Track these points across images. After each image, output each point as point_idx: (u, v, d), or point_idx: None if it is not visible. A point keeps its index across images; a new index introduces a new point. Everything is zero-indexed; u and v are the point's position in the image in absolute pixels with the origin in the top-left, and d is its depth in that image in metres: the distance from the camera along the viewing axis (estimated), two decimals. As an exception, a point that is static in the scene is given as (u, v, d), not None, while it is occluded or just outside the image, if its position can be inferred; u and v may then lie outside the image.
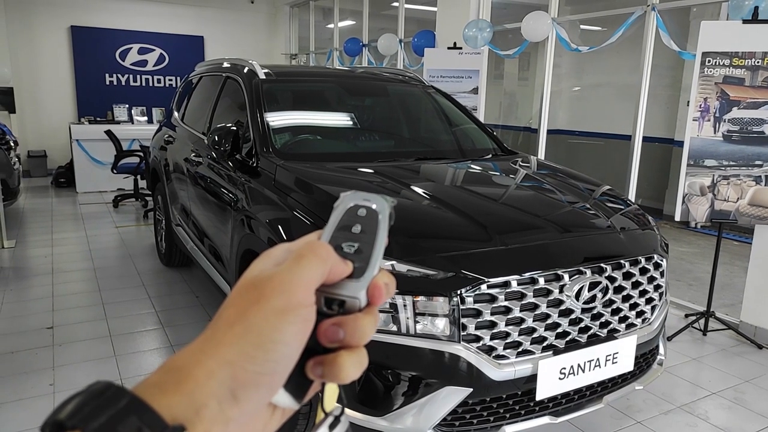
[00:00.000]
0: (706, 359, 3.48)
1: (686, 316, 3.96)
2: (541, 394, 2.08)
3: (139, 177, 7.41)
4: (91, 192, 8.24)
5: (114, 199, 7.49)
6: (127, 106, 9.25)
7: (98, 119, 8.99)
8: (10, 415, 2.68)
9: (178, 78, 10.14)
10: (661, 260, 2.42)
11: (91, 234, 6.00)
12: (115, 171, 7.24)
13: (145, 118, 9.30)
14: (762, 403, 2.97)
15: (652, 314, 2.39)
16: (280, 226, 2.43)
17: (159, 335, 3.60)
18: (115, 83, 9.77)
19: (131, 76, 9.90)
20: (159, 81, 10.14)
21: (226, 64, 3.93)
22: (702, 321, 3.85)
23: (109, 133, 7.37)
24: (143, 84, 10.01)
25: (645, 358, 2.46)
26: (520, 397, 2.10)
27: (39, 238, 5.79)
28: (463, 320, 1.96)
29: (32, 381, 3.00)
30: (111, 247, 5.58)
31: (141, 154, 7.13)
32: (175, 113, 4.76)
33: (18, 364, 3.17)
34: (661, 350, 2.57)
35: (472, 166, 3.12)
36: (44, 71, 9.15)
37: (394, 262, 2.02)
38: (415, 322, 1.97)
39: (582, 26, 7.41)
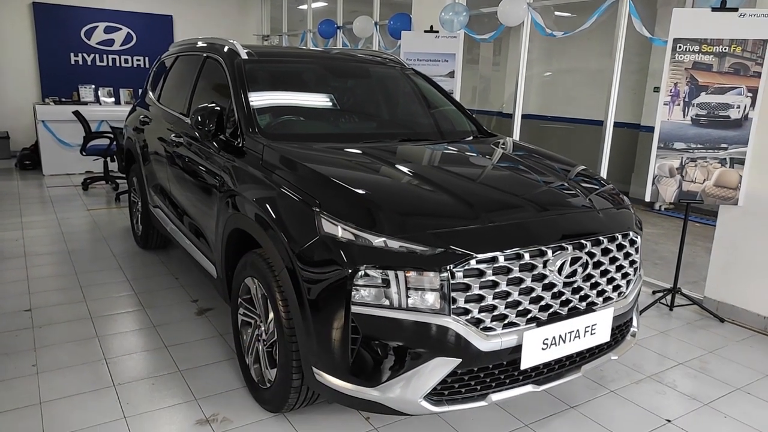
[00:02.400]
0: (673, 332, 3.66)
1: (654, 292, 4.15)
2: (526, 363, 2.18)
3: (109, 159, 7.27)
4: (59, 174, 8.05)
5: (83, 181, 7.33)
6: (93, 86, 9.02)
7: (63, 100, 8.73)
8: (-6, 396, 2.67)
9: (147, 58, 9.91)
10: (636, 237, 2.55)
11: (62, 217, 5.88)
12: (84, 153, 7.08)
13: (113, 99, 9.08)
14: (724, 372, 3.16)
15: (627, 288, 2.52)
16: (269, 204, 2.45)
17: (141, 316, 3.59)
18: (80, 63, 9.49)
19: (97, 55, 9.63)
20: (126, 61, 9.90)
21: (204, 44, 3.89)
22: (669, 297, 4.04)
23: (77, 114, 7.19)
24: (110, 64, 9.76)
25: (620, 329, 2.59)
26: (506, 366, 2.20)
27: (7, 221, 5.65)
28: (453, 294, 2.04)
29: (14, 362, 2.97)
30: (84, 230, 5.48)
31: (111, 135, 6.98)
32: (150, 93, 4.69)
33: (-2, 346, 3.14)
34: (635, 322, 2.71)
35: (457, 147, 3.19)
36: (5, 49, 8.83)
37: (385, 238, 2.08)
38: (407, 296, 2.04)
39: (555, 12, 7.52)
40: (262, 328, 2.56)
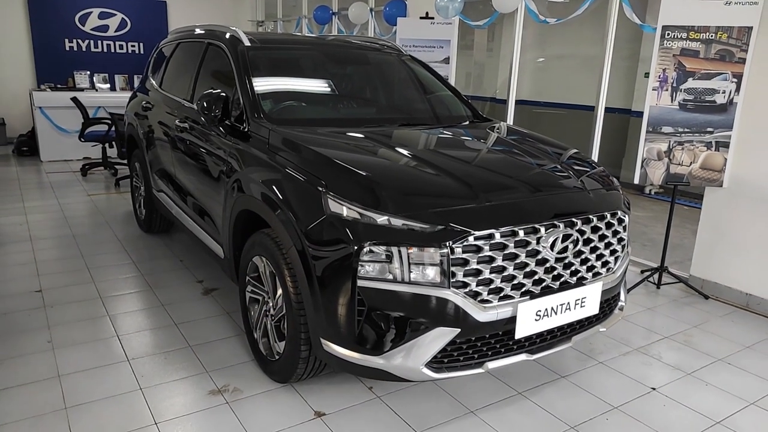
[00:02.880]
0: (660, 309, 3.83)
1: (642, 271, 4.31)
2: (520, 333, 2.33)
3: (107, 145, 7.34)
4: (57, 161, 8.11)
5: (82, 167, 7.40)
6: (88, 72, 9.05)
7: (59, 86, 8.76)
8: (14, 369, 2.79)
9: (141, 44, 9.92)
10: (624, 216, 2.69)
11: (64, 202, 5.97)
12: (82, 139, 7.14)
13: (108, 85, 9.12)
14: (707, 344, 3.34)
15: (615, 264, 2.67)
16: (276, 186, 2.58)
17: (149, 296, 3.72)
18: (75, 49, 9.48)
19: (92, 41, 9.62)
20: (121, 47, 9.89)
21: (205, 31, 3.97)
22: (656, 276, 4.21)
23: (75, 100, 7.24)
24: (105, 50, 9.75)
25: (608, 303, 2.75)
26: (501, 336, 2.35)
27: (10, 206, 5.73)
28: (452, 268, 2.18)
29: (30, 339, 3.10)
30: (86, 214, 5.58)
31: (109, 121, 7.05)
32: (152, 79, 4.77)
33: (13, 324, 3.25)
34: (622, 297, 2.87)
35: (454, 131, 3.32)
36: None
37: (389, 217, 2.21)
38: (409, 271, 2.18)
39: (547, -2, 7.61)
40: (270, 304, 2.69)
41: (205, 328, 3.30)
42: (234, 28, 3.62)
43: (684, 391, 2.84)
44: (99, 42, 9.68)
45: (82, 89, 8.65)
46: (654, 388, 2.85)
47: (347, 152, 2.70)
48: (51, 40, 9.23)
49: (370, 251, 2.18)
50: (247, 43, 3.42)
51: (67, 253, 4.47)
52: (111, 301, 3.63)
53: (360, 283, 2.19)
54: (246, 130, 3.00)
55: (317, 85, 3.62)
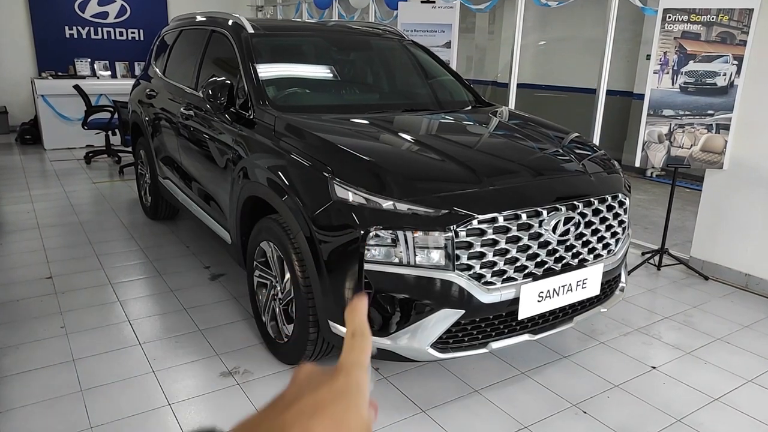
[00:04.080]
0: (660, 290, 3.90)
1: (643, 254, 4.37)
2: (523, 314, 2.39)
3: (110, 132, 7.37)
4: (60, 149, 8.14)
5: (86, 155, 7.44)
6: (89, 60, 9.05)
7: (60, 74, 8.76)
8: (29, 354, 2.86)
9: (141, 31, 9.89)
10: (625, 199, 2.74)
11: (69, 190, 6.02)
12: (86, 127, 7.17)
13: (109, 72, 9.11)
14: (707, 324, 3.40)
15: (616, 246, 2.72)
16: (282, 173, 2.62)
17: (158, 282, 3.79)
18: (75, 36, 9.45)
19: (92, 28, 9.59)
20: (121, 34, 9.86)
21: (206, 18, 3.99)
22: (657, 258, 4.27)
23: (77, 87, 7.26)
24: (105, 37, 9.72)
25: (609, 284, 2.80)
26: (504, 317, 2.41)
27: (17, 194, 5.79)
28: (457, 252, 2.23)
29: (43, 324, 3.17)
30: (92, 202, 5.64)
31: (112, 108, 7.07)
32: (155, 67, 4.79)
33: (26, 310, 3.33)
34: (623, 278, 2.93)
35: (457, 116, 3.35)
36: None
37: (394, 202, 2.26)
38: (415, 254, 2.24)
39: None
40: (278, 288, 2.76)
41: (214, 313, 3.37)
42: (237, 15, 3.64)
43: (683, 369, 2.91)
44: (99, 29, 9.65)
45: (83, 77, 8.65)
46: (654, 367, 2.92)
47: (352, 138, 2.75)
48: (51, 28, 9.20)
49: (376, 235, 2.24)
50: (251, 30, 3.44)
51: (75, 240, 4.53)
52: (120, 287, 3.70)
53: (366, 266, 2.25)
54: (251, 117, 3.04)
55: (321, 72, 3.64)
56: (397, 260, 2.25)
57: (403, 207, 2.25)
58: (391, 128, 2.90)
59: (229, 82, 3.14)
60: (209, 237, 3.69)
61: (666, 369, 2.91)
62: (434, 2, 5.89)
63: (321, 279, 2.39)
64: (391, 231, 2.23)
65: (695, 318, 3.48)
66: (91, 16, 9.53)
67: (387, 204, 2.26)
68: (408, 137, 2.78)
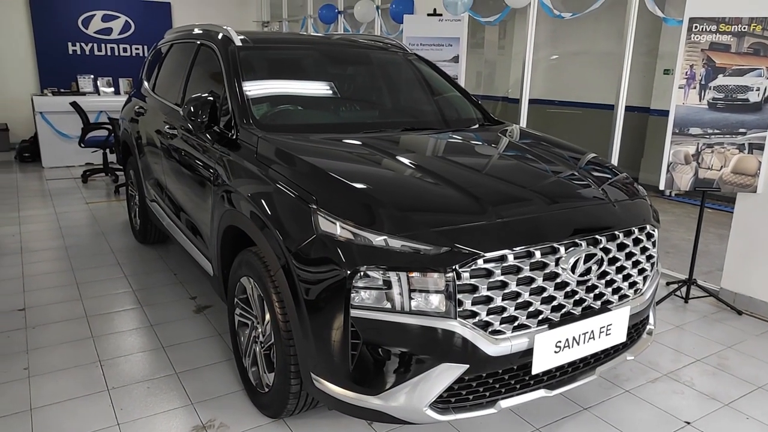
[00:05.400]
0: (689, 326, 3.52)
1: (668, 284, 4.00)
2: (537, 368, 2.05)
3: (108, 150, 7.15)
4: (58, 167, 7.95)
5: (83, 174, 7.23)
6: (92, 76, 8.88)
7: (62, 90, 8.61)
8: (-17, 402, 2.57)
9: (145, 47, 9.74)
10: (653, 230, 2.40)
11: (61, 211, 5.78)
12: (82, 145, 6.96)
13: (112, 89, 8.93)
14: (745, 369, 3.02)
15: (644, 285, 2.38)
16: (264, 201, 2.32)
17: (138, 315, 3.49)
18: (78, 52, 9.33)
19: (95, 45, 9.47)
20: (125, 50, 9.73)
21: (198, 31, 3.74)
22: (684, 289, 3.90)
23: (74, 105, 7.07)
24: (108, 53, 9.59)
25: (636, 328, 2.45)
26: (516, 371, 2.07)
27: (5, 215, 5.55)
28: (459, 296, 1.90)
29: (5, 365, 2.87)
30: (82, 224, 5.38)
31: (109, 126, 6.86)
32: (145, 83, 4.55)
33: (-11, 349, 3.04)
34: (651, 320, 2.58)
35: (461, 136, 3.04)
36: (1, 40, 8.67)
37: (386, 237, 1.94)
38: (410, 298, 1.91)
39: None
40: (259, 330, 2.44)
41: (195, 352, 3.05)
42: (227, 28, 3.37)
43: (722, 426, 2.54)
44: (103, 45, 9.53)
45: (85, 93, 8.49)
46: (688, 423, 2.55)
47: (340, 162, 2.44)
48: (54, 44, 9.08)
49: (365, 276, 1.92)
50: (239, 43, 3.17)
51: (57, 266, 4.26)
52: (97, 320, 3.40)
53: (354, 312, 1.93)
54: (234, 137, 2.75)
55: (314, 88, 3.36)
56: (389, 306, 1.92)
57: (396, 243, 1.93)
58: (387, 150, 2.59)
59: (211, 98, 2.85)
60: (197, 265, 3.39)
61: (702, 425, 2.53)
62: (441, 15, 5.61)
63: (302, 325, 2.07)
64: (382, 271, 1.91)
65: (731, 361, 3.11)
66: (95, 32, 9.41)
67: (378, 240, 1.94)
68: (405, 160, 2.47)
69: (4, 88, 8.81)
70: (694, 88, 3.55)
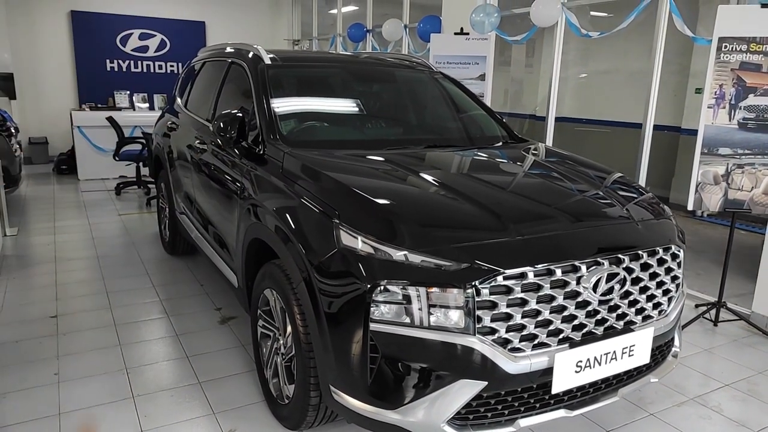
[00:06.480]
0: (718, 350, 3.44)
1: (696, 306, 3.91)
2: (557, 387, 2.03)
3: (141, 164, 7.36)
4: (93, 179, 8.19)
5: (116, 186, 7.44)
6: (128, 92, 9.18)
7: (99, 106, 8.92)
8: (14, 404, 2.65)
9: (180, 64, 10.03)
10: (679, 251, 2.37)
11: (94, 222, 5.95)
12: (117, 158, 7.18)
13: (147, 104, 9.21)
14: (776, 396, 2.94)
15: (669, 306, 2.34)
16: (288, 215, 2.37)
17: (164, 324, 3.56)
18: (116, 69, 9.66)
19: (132, 62, 9.79)
20: (160, 67, 10.03)
21: (230, 49, 3.85)
22: (713, 312, 3.81)
23: (110, 119, 7.30)
24: (144, 70, 9.90)
25: (661, 350, 2.41)
26: (536, 390, 2.05)
27: (41, 225, 5.74)
28: (478, 312, 1.91)
29: (37, 370, 2.96)
30: (114, 235, 5.53)
31: (143, 140, 7.06)
32: (178, 99, 4.69)
33: (22, 353, 3.14)
34: (677, 342, 2.53)
35: (484, 153, 3.05)
36: (44, 57, 9.04)
37: (406, 252, 1.96)
38: (429, 313, 1.92)
39: (591, 12, 7.29)
40: (281, 342, 2.48)
41: (218, 362, 3.10)
42: (257, 47, 3.46)
43: (751, 453, 2.47)
44: (139, 62, 9.84)
45: (120, 109, 8.77)
46: (715, 449, 2.49)
47: (363, 178, 2.48)
48: (93, 61, 9.42)
49: (385, 290, 1.94)
50: (268, 62, 3.26)
51: (89, 275, 4.38)
52: (125, 329, 3.48)
53: (373, 326, 1.95)
54: (261, 152, 2.82)
55: (340, 105, 3.42)
56: (408, 320, 1.94)
57: (416, 258, 1.95)
58: (410, 166, 2.62)
59: (240, 115, 2.93)
60: (223, 276, 3.46)
61: (730, 451, 2.47)
62: (468, 34, 5.66)
63: (322, 336, 2.09)
64: (402, 286, 1.93)
65: (761, 387, 3.02)
66: (132, 50, 9.74)
67: (398, 255, 1.97)
68: (428, 177, 2.49)
69: (46, 104, 9.16)
70: (724, 107, 3.50)
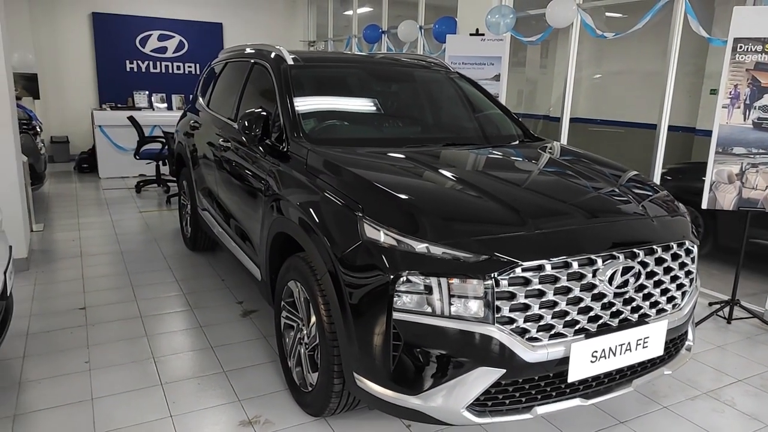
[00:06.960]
0: (731, 347, 3.48)
1: (710, 304, 3.95)
2: (573, 376, 2.10)
3: (161, 163, 7.51)
4: (114, 177, 8.36)
5: (136, 184, 7.59)
6: (147, 92, 9.35)
7: (119, 105, 9.09)
8: (47, 391, 2.77)
9: (198, 65, 10.19)
10: (692, 246, 2.43)
11: (116, 218, 6.10)
12: (137, 157, 7.33)
13: (165, 104, 9.38)
14: (789, 391, 2.98)
15: (682, 300, 2.40)
16: (312, 209, 2.46)
17: (188, 316, 3.68)
18: (135, 70, 9.83)
19: (151, 62, 9.96)
20: (178, 68, 10.20)
21: (251, 50, 3.96)
22: (726, 309, 3.85)
23: (131, 119, 7.46)
24: (163, 71, 10.07)
25: (674, 343, 2.47)
26: (552, 378, 2.13)
27: (65, 222, 5.90)
28: (497, 302, 1.99)
29: (68, 359, 3.08)
30: (136, 231, 5.67)
31: (163, 140, 7.21)
32: (200, 99, 4.81)
33: (54, 343, 3.26)
34: (690, 336, 2.58)
35: (502, 151, 3.13)
36: (66, 58, 9.24)
37: (428, 244, 2.05)
38: (450, 303, 2.01)
39: (606, 13, 7.31)
40: (305, 332, 2.57)
41: (241, 353, 3.20)
42: (279, 47, 3.56)
43: (763, 445, 2.52)
44: (158, 63, 10.02)
45: (140, 108, 8.94)
46: (727, 441, 2.54)
47: (385, 174, 2.56)
48: (113, 62, 9.61)
49: (408, 281, 2.02)
50: (290, 62, 3.36)
51: (114, 270, 4.52)
52: (151, 320, 3.60)
53: (396, 315, 2.03)
54: (285, 149, 2.92)
55: (360, 104, 3.51)
56: (429, 310, 2.02)
57: (437, 250, 2.04)
58: (430, 163, 2.71)
59: (264, 113, 3.04)
60: (244, 271, 3.57)
61: (742, 443, 2.52)
62: (483, 35, 5.73)
63: (346, 326, 2.18)
64: (423, 277, 2.02)
65: (775, 382, 3.06)
66: (151, 51, 9.91)
67: (420, 247, 2.05)
68: (447, 173, 2.58)
69: (67, 103, 9.36)
70: (739, 107, 3.54)
